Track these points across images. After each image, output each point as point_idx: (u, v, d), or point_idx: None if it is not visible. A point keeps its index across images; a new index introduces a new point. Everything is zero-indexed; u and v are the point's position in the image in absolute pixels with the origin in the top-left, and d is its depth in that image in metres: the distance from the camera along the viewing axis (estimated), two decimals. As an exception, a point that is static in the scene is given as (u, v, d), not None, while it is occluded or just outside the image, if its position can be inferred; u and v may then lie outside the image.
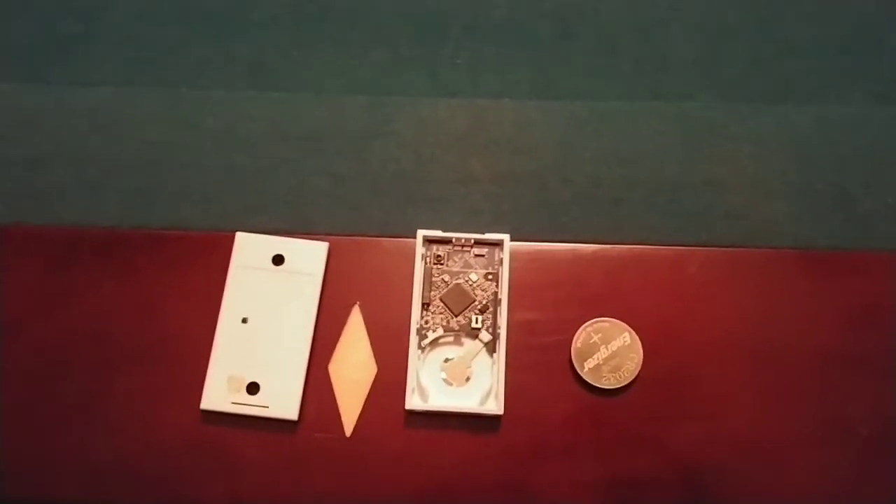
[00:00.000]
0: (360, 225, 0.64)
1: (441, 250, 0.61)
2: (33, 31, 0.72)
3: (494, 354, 0.59)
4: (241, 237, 0.60)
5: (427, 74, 0.70)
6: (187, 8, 0.72)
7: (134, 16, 0.72)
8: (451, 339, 0.60)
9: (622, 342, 0.59)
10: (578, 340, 0.59)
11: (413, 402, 0.57)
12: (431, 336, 0.59)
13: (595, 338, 0.59)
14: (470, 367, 0.59)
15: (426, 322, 0.59)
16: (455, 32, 0.72)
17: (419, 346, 0.58)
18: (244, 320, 0.59)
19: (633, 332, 0.59)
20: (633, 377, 0.58)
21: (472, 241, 0.61)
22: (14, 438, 0.58)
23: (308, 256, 0.60)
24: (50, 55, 0.71)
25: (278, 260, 0.60)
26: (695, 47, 0.71)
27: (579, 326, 0.59)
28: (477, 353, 0.59)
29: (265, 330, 0.59)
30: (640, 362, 0.58)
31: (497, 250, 0.61)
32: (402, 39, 0.72)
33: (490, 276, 0.60)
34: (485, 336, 0.59)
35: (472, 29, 0.72)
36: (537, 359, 0.59)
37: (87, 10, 0.72)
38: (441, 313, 0.60)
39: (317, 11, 0.72)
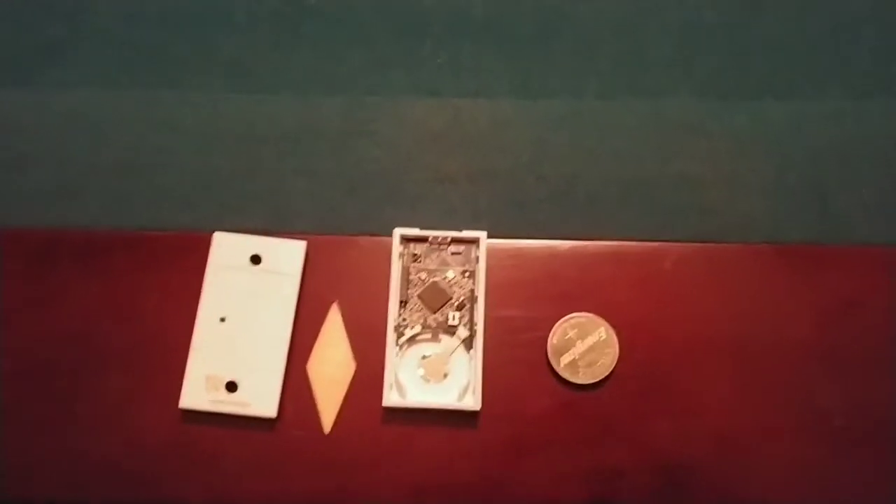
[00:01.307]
0: (337, 224, 0.64)
1: (418, 248, 0.61)
2: (11, 35, 0.72)
3: (471, 350, 0.59)
4: (218, 237, 0.61)
5: (406, 75, 0.70)
6: (167, 11, 0.73)
7: (113, 19, 0.72)
8: (428, 335, 0.60)
9: (598, 337, 0.59)
10: (554, 336, 0.59)
11: (391, 398, 0.58)
12: (409, 333, 0.59)
13: (571, 333, 0.59)
14: (447, 363, 0.59)
15: (404, 319, 0.60)
16: (434, 32, 0.72)
17: (397, 344, 0.59)
18: (222, 319, 0.59)
19: (609, 328, 0.60)
20: (608, 372, 0.59)
21: (449, 238, 0.61)
22: (-6, 439, 0.58)
23: (286, 255, 0.61)
24: (28, 59, 0.71)
25: (256, 259, 0.61)
26: (672, 45, 0.71)
27: (555, 322, 0.60)
28: (454, 350, 0.59)
29: (243, 329, 0.59)
30: (616, 357, 0.59)
31: (474, 248, 0.61)
32: (380, 40, 0.72)
33: (467, 274, 0.61)
34: (462, 332, 0.59)
35: (451, 29, 0.72)
36: (514, 355, 0.60)
37: (66, 14, 0.73)
38: (418, 311, 0.60)
39: (296, 13, 0.73)
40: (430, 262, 0.61)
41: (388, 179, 0.66)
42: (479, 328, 0.59)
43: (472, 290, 0.60)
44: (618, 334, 0.59)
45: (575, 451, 0.58)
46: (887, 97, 0.69)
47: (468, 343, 0.59)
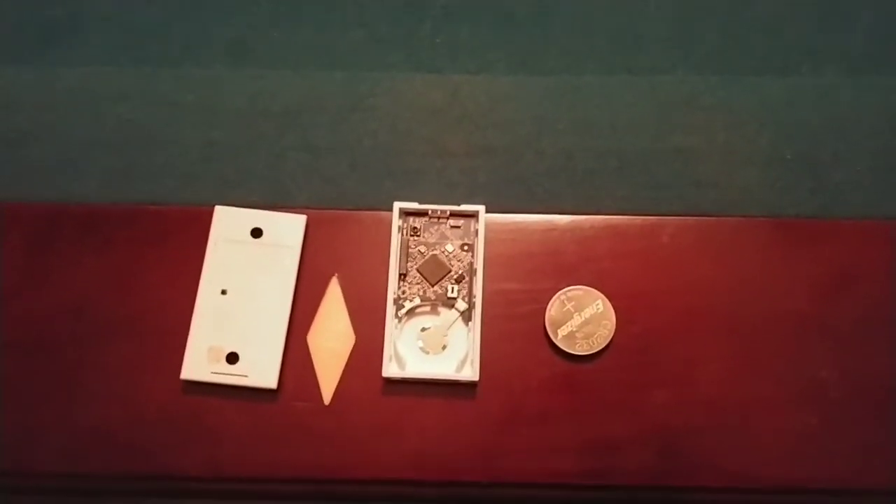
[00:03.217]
0: (337, 198, 0.65)
1: (417, 222, 0.62)
2: (14, 14, 0.72)
3: (470, 323, 0.59)
4: (220, 210, 0.61)
5: (405, 52, 0.71)
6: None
7: (115, -2, 0.73)
8: (427, 308, 0.60)
9: (595, 309, 0.60)
10: (552, 308, 0.60)
11: (390, 370, 0.58)
12: (408, 306, 0.60)
13: (568, 306, 0.60)
14: (446, 335, 0.60)
15: (403, 292, 0.60)
16: (433, 12, 0.73)
17: (396, 316, 0.59)
18: (223, 292, 0.60)
19: (606, 300, 0.60)
20: (605, 343, 0.59)
21: (448, 212, 0.62)
22: (-3, 410, 0.58)
23: (286, 229, 0.61)
24: (31, 37, 0.71)
25: (257, 233, 0.61)
26: (669, 22, 0.72)
27: (553, 295, 0.60)
28: (453, 322, 0.60)
29: (244, 301, 0.60)
30: (613, 329, 0.59)
31: (473, 221, 0.62)
32: (380, 19, 0.72)
33: (466, 247, 0.61)
34: (461, 305, 0.60)
35: (450, 7, 0.73)
36: (512, 327, 0.60)
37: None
38: (418, 283, 0.61)
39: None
40: (430, 236, 0.62)
41: (387, 154, 0.66)
42: (478, 301, 0.59)
43: (471, 263, 0.61)
44: (615, 307, 0.60)
45: (572, 421, 0.58)
46: (882, 73, 0.69)
47: (467, 315, 0.60)
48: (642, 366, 0.59)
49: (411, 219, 0.62)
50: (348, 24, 0.72)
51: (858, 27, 0.71)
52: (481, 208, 0.61)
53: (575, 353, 0.59)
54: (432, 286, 0.61)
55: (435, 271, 0.61)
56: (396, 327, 0.59)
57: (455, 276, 0.61)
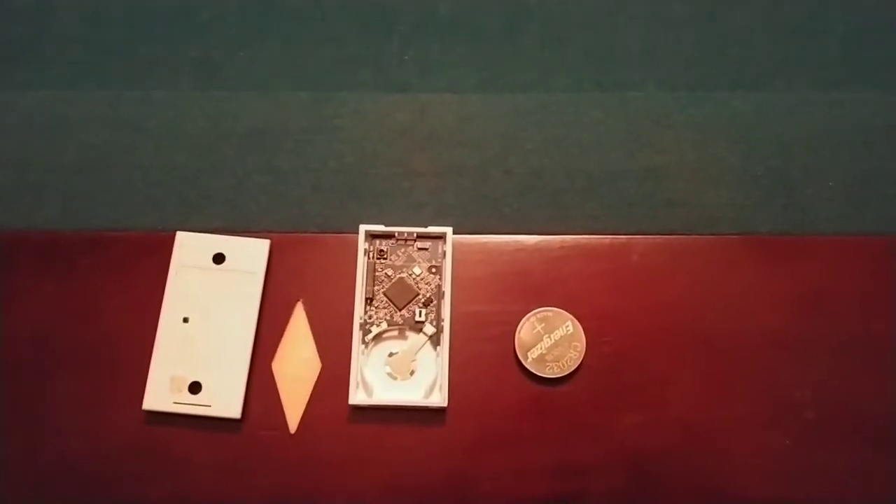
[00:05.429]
0: (302, 221, 0.63)
1: (384, 245, 0.61)
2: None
3: (438, 347, 0.58)
4: (181, 236, 0.60)
5: (372, 71, 0.70)
6: (131, 10, 0.72)
7: (77, 19, 0.72)
8: (395, 333, 0.59)
9: (565, 331, 0.59)
10: (522, 331, 0.59)
11: (357, 397, 0.57)
12: (375, 331, 0.59)
13: (538, 328, 0.59)
14: (414, 360, 0.59)
15: (370, 317, 0.59)
16: (401, 29, 0.72)
17: (363, 341, 0.58)
18: (185, 320, 0.58)
19: (576, 321, 0.59)
20: (576, 366, 0.58)
21: (415, 234, 0.61)
22: (-46, 445, 0.57)
23: (249, 254, 0.60)
24: (-9, 59, 0.70)
25: (219, 258, 0.60)
26: (639, 38, 0.71)
27: (523, 317, 0.59)
28: (421, 347, 0.59)
29: (207, 329, 0.58)
30: (584, 351, 0.58)
31: (440, 243, 0.61)
32: (347, 37, 0.71)
33: (433, 270, 0.60)
34: (429, 329, 0.59)
35: (418, 25, 0.72)
36: (481, 350, 0.59)
37: (29, 14, 0.72)
38: (385, 308, 0.60)
39: (262, 11, 0.72)
40: (397, 259, 0.61)
41: (353, 176, 0.65)
42: (446, 324, 0.58)
43: (439, 286, 0.60)
44: (585, 328, 0.59)
45: (543, 446, 0.57)
46: (854, 88, 0.69)
47: (435, 339, 0.59)
48: (613, 388, 0.58)
49: (378, 241, 0.61)
50: (315, 42, 0.71)
51: (830, 42, 0.70)
52: (449, 230, 0.60)
53: (545, 375, 0.58)
54: (400, 310, 0.59)
55: (402, 295, 0.60)
56: (363, 353, 0.58)
57: (423, 300, 0.60)
